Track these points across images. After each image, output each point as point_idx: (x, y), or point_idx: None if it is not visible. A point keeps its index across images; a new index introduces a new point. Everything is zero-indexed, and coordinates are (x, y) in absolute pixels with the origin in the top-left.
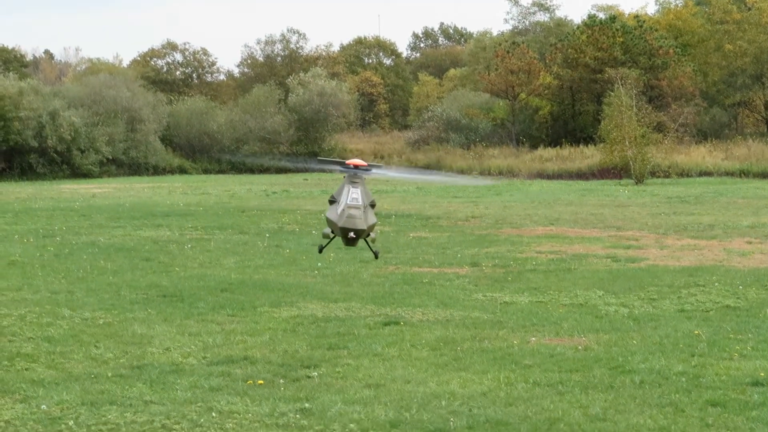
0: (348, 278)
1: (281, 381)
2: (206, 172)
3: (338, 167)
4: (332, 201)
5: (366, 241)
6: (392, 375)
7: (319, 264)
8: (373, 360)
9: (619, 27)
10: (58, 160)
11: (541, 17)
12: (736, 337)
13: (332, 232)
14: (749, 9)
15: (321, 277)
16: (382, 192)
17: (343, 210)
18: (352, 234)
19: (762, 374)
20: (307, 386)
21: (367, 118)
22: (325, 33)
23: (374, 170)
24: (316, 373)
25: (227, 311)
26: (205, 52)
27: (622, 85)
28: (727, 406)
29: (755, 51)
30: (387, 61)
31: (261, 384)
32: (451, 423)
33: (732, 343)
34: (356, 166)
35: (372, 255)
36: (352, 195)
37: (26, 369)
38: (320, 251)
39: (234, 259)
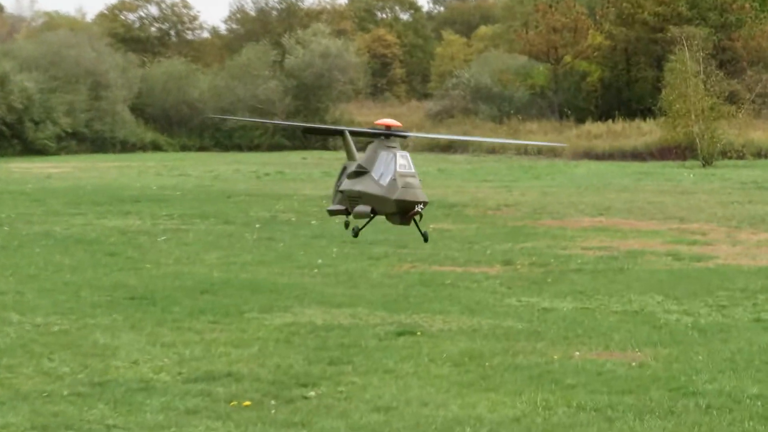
0: (354, 278)
1: (272, 402)
2: (185, 149)
3: (354, 132)
4: (360, 171)
5: (414, 220)
6: (406, 396)
7: (320, 261)
8: (384, 378)
9: None
10: (7, 134)
11: None
12: None
13: (372, 210)
14: None
15: (321, 276)
16: None
17: (394, 180)
18: (419, 207)
19: None
20: (304, 409)
21: (379, 85)
22: None
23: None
24: (314, 393)
25: (208, 317)
26: (185, 5)
27: (687, 46)
28: None
29: None
30: (404, 17)
31: (248, 406)
32: None
33: None
34: (388, 127)
35: (421, 237)
36: (400, 161)
37: None
38: (356, 235)
39: (217, 254)
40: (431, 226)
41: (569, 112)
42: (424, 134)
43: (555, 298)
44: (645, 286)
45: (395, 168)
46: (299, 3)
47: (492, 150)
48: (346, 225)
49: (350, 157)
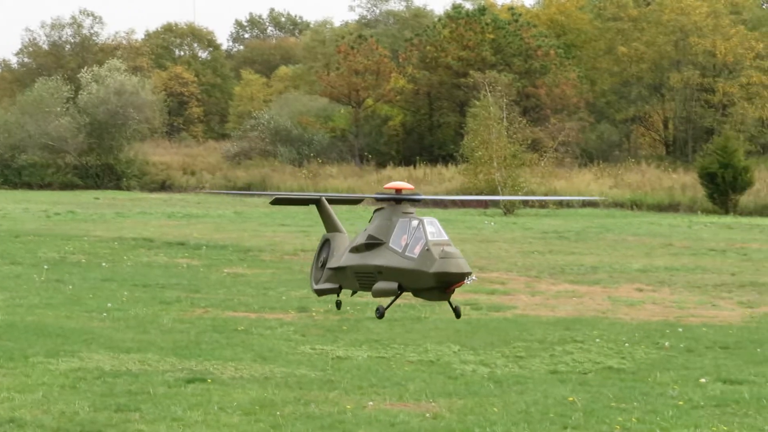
0: (144, 323)
1: None
2: None
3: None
4: (372, 243)
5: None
6: None
7: (109, 304)
8: (172, 426)
9: (489, 21)
10: None
11: (396, 6)
12: (619, 406)
13: (399, 286)
14: (648, 4)
15: (111, 321)
16: (191, 217)
17: (428, 250)
18: (468, 280)
19: None
20: None
21: (175, 124)
22: (127, 17)
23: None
24: None
25: None
26: None
27: (490, 92)
28: None
29: (654, 56)
30: (203, 54)
31: None
32: None
33: (613, 413)
34: (398, 190)
35: (452, 313)
36: (429, 229)
37: None
38: (381, 316)
39: (2, 296)
40: (225, 270)
41: (370, 156)
42: (440, 197)
43: (350, 347)
44: (442, 336)
45: (425, 236)
46: (94, 38)
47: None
48: (338, 305)
49: (331, 228)
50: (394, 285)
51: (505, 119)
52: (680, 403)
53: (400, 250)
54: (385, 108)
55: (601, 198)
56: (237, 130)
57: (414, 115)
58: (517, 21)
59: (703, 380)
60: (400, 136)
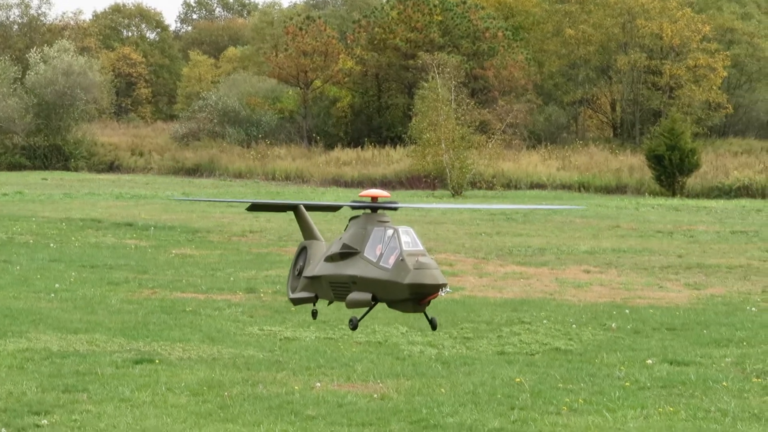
0: (92, 304)
1: (2, 431)
2: None
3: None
4: (347, 252)
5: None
6: (142, 426)
7: (57, 285)
8: (120, 406)
9: (437, 3)
10: None
11: None
12: (566, 387)
13: (373, 297)
14: None
15: (59, 301)
16: (139, 198)
17: (402, 261)
18: (443, 291)
19: None
20: None
21: (123, 105)
22: None
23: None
24: (46, 422)
25: None
26: None
27: (439, 74)
28: None
29: (601, 38)
30: (151, 35)
31: None
32: None
33: (560, 393)
34: (374, 198)
35: (428, 324)
36: (404, 238)
37: None
38: (355, 327)
39: None
40: (173, 251)
41: (318, 137)
42: (416, 205)
43: (298, 328)
44: (390, 317)
45: (400, 246)
46: (42, 18)
47: (239, 174)
48: (314, 314)
49: (308, 235)
50: (368, 296)
51: (453, 101)
52: (627, 384)
53: (375, 260)
54: (333, 89)
55: (582, 208)
56: (185, 111)
57: (362, 97)
58: (465, 3)
59: (649, 361)
60: (348, 117)
